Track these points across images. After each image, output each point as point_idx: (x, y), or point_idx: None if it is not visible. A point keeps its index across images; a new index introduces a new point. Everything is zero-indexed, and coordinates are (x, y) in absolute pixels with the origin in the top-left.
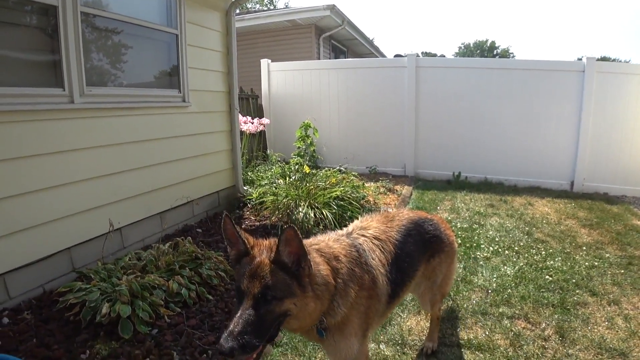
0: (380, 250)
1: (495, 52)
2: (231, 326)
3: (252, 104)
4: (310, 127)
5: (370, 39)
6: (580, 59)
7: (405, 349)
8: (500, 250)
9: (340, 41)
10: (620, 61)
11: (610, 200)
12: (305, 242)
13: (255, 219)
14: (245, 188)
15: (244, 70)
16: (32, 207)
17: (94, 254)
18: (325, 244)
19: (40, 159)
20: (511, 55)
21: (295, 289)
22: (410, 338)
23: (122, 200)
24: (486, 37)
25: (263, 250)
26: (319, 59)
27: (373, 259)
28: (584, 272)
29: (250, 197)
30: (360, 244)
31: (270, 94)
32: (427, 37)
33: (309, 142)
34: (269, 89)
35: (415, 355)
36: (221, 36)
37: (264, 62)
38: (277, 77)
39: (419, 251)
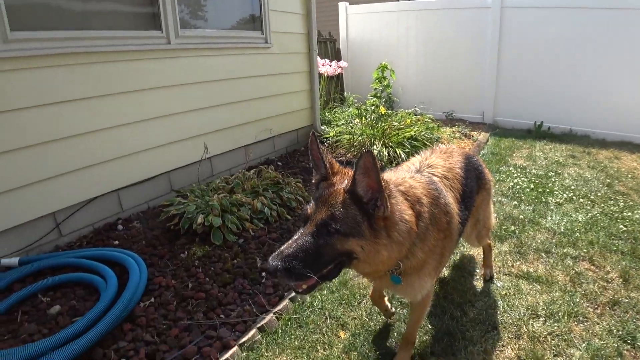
0: (451, 188)
1: None
2: (283, 247)
3: (329, 48)
4: (387, 68)
5: None
6: None
7: (465, 274)
8: (574, 198)
9: None
10: None
11: None
12: (386, 179)
13: (332, 156)
14: (322, 127)
15: (321, 14)
16: (137, 135)
17: (188, 179)
18: (409, 184)
19: (143, 94)
20: None
21: (365, 230)
22: (470, 265)
23: (212, 132)
24: None
25: (344, 179)
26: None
27: (449, 198)
28: None
29: (328, 136)
30: (435, 182)
31: (347, 37)
32: None
33: (385, 83)
34: (347, 32)
35: (473, 280)
36: None
37: (342, 5)
38: (354, 20)
39: (474, 188)
